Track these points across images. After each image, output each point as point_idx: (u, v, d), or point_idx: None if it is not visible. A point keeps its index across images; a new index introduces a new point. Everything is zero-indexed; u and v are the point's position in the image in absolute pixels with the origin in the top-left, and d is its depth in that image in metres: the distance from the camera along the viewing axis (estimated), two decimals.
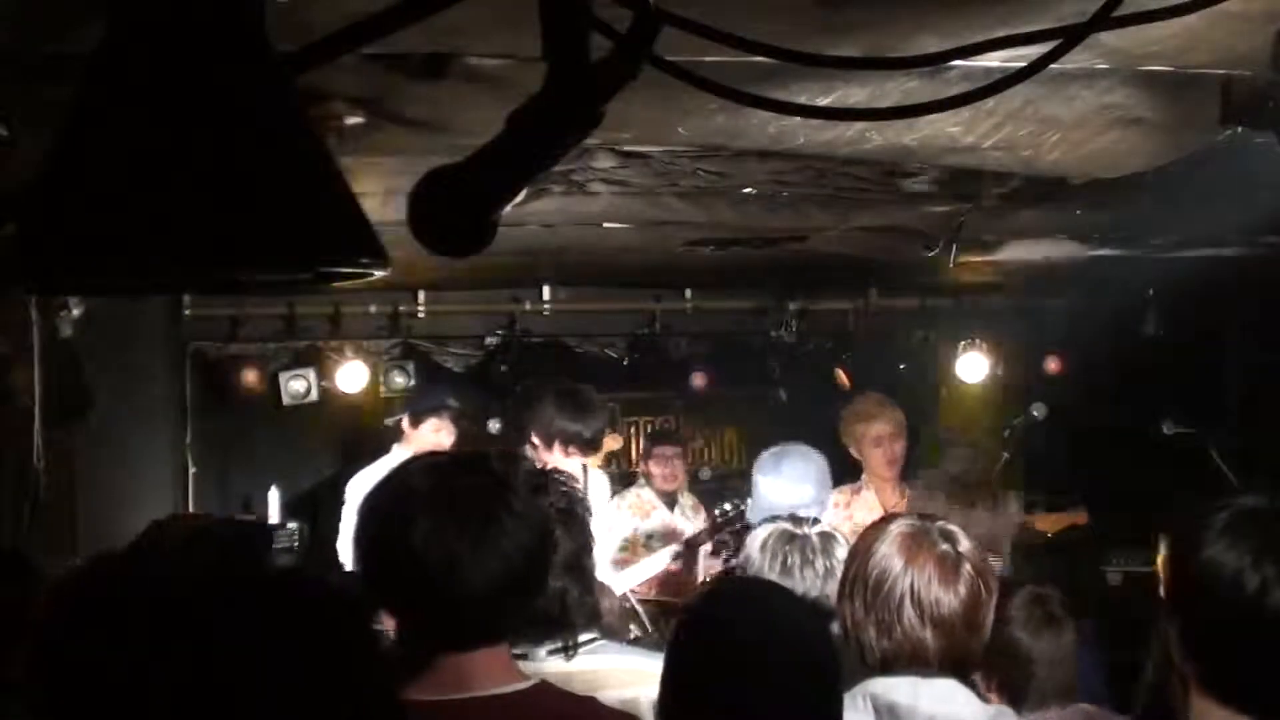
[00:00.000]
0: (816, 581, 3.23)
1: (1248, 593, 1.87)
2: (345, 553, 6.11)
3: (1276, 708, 1.91)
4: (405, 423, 6.39)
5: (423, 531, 2.03)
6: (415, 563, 2.02)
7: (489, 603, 2.06)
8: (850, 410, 5.97)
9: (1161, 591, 2.05)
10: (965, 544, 2.58)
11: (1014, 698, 3.21)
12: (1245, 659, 1.92)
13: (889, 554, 2.56)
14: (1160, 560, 2.05)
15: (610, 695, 2.51)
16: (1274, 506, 1.97)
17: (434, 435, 6.20)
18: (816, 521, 3.43)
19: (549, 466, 2.97)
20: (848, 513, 5.53)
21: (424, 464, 2.22)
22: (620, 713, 2.34)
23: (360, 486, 6.02)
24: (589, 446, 5.10)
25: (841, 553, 3.28)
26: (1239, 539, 1.91)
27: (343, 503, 6.21)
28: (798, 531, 3.31)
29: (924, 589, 2.50)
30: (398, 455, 6.06)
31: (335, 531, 6.20)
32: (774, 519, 3.52)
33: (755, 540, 3.34)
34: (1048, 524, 6.34)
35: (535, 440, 5.22)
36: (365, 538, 2.13)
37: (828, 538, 3.31)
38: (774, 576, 3.22)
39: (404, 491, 2.11)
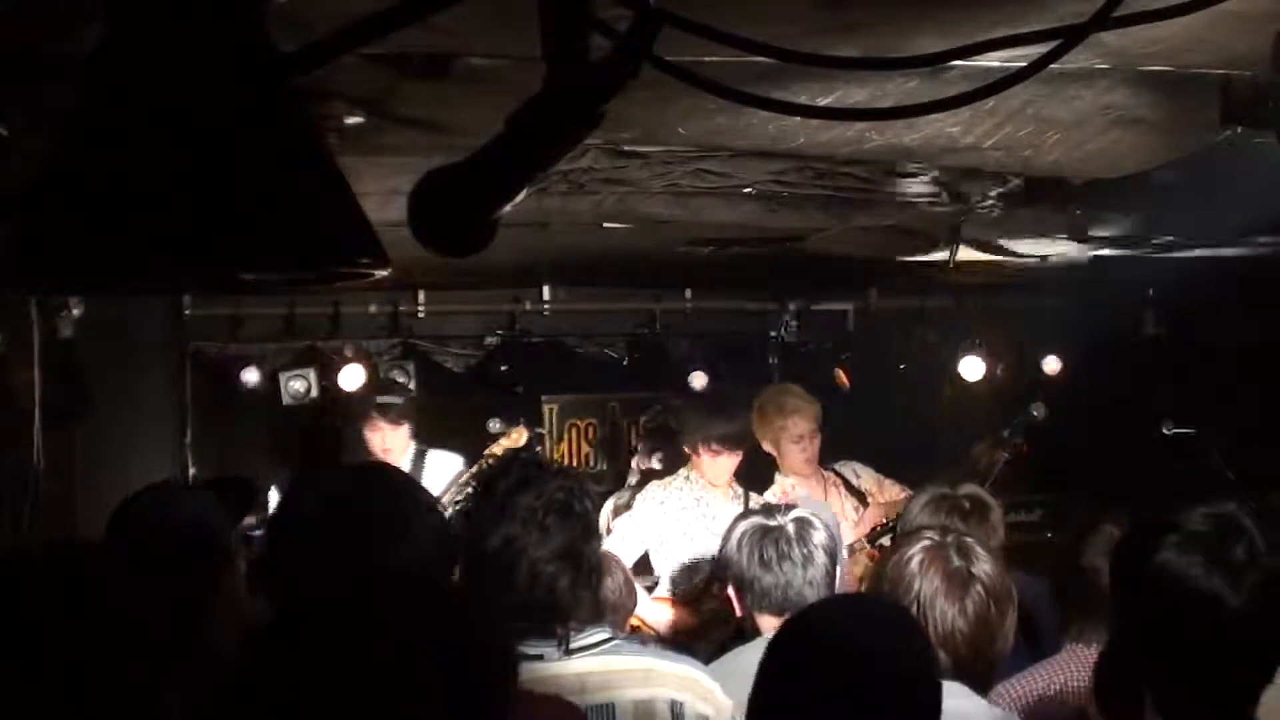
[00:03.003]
0: (796, 571, 3.25)
1: (1206, 596, 1.94)
2: None
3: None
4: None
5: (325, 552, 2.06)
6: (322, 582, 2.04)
7: None
8: (769, 403, 5.69)
9: (1117, 613, 2.10)
10: (983, 564, 2.59)
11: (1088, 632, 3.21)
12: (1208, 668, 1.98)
13: (907, 563, 2.59)
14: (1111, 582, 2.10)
15: (626, 695, 2.52)
16: (1221, 516, 2.02)
17: (385, 433, 6.11)
18: (791, 508, 3.44)
19: (557, 462, 2.98)
20: None
21: (314, 483, 2.25)
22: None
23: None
24: (731, 443, 5.15)
25: (819, 537, 3.30)
26: (1192, 552, 1.97)
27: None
28: (771, 523, 3.32)
29: (929, 602, 2.52)
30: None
31: None
32: (747, 514, 3.52)
33: (732, 538, 3.35)
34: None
35: (685, 448, 5.35)
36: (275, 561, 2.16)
37: (803, 524, 3.32)
38: (754, 573, 3.25)
39: (296, 515, 2.15)
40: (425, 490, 2.44)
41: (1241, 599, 1.94)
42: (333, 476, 2.42)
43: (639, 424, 8.06)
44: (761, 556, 3.26)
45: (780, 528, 3.29)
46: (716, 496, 5.30)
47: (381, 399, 6.20)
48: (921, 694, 2.05)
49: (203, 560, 2.81)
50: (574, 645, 2.54)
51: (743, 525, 3.36)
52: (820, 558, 3.29)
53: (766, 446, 5.63)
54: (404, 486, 2.29)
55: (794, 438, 5.59)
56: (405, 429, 6.15)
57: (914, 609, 2.54)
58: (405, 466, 6.00)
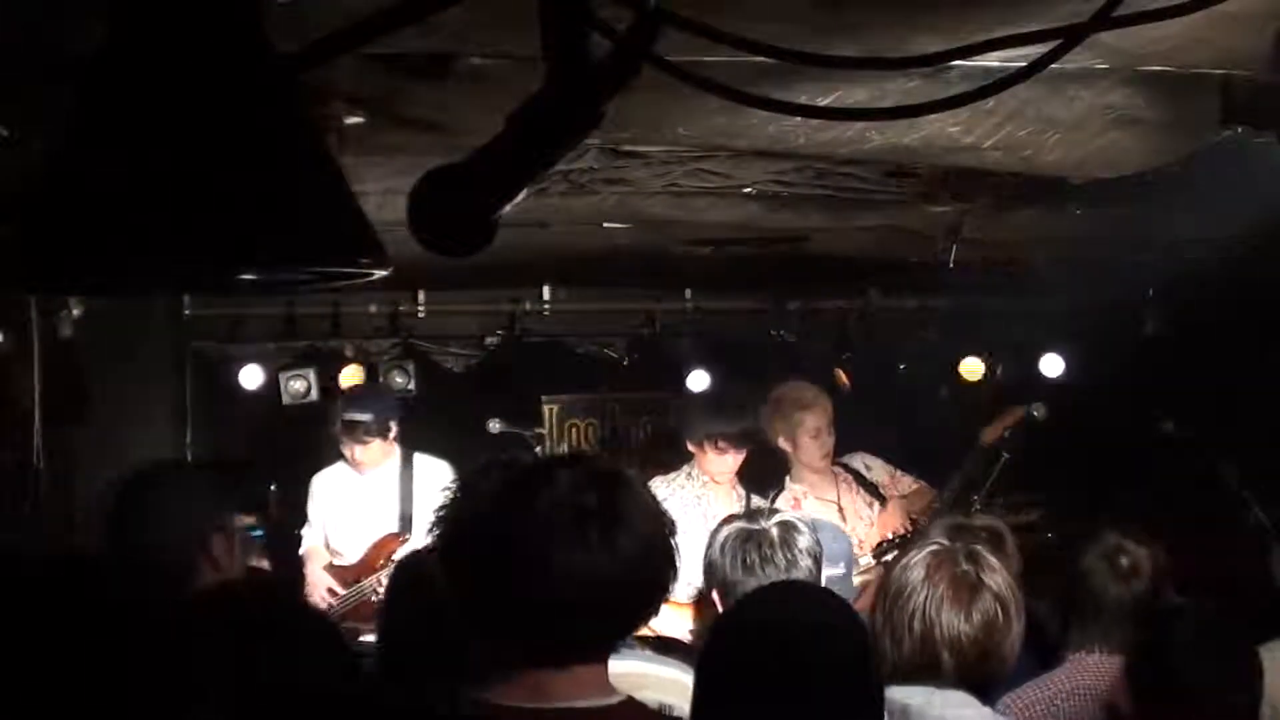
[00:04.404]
0: (780, 576, 3.22)
1: None
2: (312, 548, 6.02)
3: None
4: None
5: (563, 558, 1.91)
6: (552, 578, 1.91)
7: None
8: (786, 398, 5.66)
9: None
10: (992, 571, 2.58)
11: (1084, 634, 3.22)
12: None
13: (912, 569, 2.59)
14: None
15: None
16: None
17: (355, 449, 5.82)
18: (774, 512, 3.42)
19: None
20: None
21: (532, 476, 2.05)
22: None
23: (323, 484, 5.97)
24: (735, 440, 5.10)
25: (803, 541, 3.28)
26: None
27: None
28: (754, 527, 3.30)
29: (935, 608, 2.52)
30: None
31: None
32: (731, 518, 3.51)
33: (715, 542, 3.33)
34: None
35: (689, 445, 5.26)
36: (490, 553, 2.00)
37: (787, 528, 3.29)
38: (737, 577, 3.23)
39: (528, 509, 1.95)
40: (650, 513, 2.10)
41: None
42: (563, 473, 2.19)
43: (642, 424, 8.09)
44: (745, 561, 3.24)
45: (764, 532, 3.27)
46: (717, 496, 5.29)
47: (348, 415, 5.77)
48: (854, 671, 2.04)
49: (189, 541, 2.85)
50: None
51: (726, 530, 3.34)
52: (804, 562, 3.26)
53: (782, 443, 5.58)
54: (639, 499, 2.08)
55: (811, 432, 5.56)
56: (376, 445, 5.78)
57: (919, 615, 2.52)
58: (389, 477, 5.83)
